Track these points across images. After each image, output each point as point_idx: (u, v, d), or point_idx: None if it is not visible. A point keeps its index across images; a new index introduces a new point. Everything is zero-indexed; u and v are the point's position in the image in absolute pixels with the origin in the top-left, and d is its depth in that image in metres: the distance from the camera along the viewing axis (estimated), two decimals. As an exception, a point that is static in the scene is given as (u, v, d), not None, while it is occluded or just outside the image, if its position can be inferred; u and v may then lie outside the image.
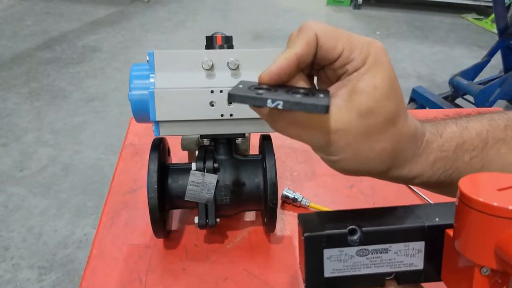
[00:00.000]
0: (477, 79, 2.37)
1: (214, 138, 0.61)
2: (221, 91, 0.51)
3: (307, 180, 0.78)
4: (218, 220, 0.60)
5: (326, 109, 0.28)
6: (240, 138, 0.61)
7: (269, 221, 0.61)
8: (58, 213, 1.70)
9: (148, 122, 0.54)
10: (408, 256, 0.32)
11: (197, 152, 0.63)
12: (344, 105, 0.31)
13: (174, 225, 0.68)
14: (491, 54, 2.35)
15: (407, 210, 0.34)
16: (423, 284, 0.33)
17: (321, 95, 0.30)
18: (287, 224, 0.69)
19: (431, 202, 0.72)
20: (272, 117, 0.33)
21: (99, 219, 0.68)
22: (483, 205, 0.25)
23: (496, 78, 2.26)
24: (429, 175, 0.35)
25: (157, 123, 0.53)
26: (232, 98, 0.29)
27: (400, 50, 3.29)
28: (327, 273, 0.32)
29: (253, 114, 0.35)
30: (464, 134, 0.36)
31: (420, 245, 0.32)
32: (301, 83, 0.33)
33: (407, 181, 0.36)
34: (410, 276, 0.32)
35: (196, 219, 0.60)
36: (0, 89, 2.48)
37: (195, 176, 0.58)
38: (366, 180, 0.76)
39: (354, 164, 0.33)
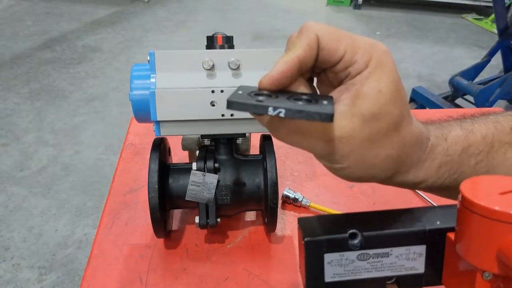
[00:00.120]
0: (477, 79, 2.37)
1: (214, 138, 0.61)
2: (222, 91, 0.51)
3: (308, 180, 0.78)
4: (218, 220, 0.60)
5: (331, 117, 0.27)
6: (240, 138, 0.61)
7: (269, 221, 0.61)
8: (58, 213, 1.70)
9: (149, 122, 0.54)
10: (409, 260, 0.31)
11: (197, 152, 0.63)
12: (347, 111, 0.30)
13: (175, 225, 0.68)
14: (491, 54, 2.35)
15: (408, 213, 0.33)
16: None
17: (325, 102, 0.29)
18: (288, 224, 0.69)
19: (431, 201, 0.72)
20: (273, 125, 0.32)
21: (100, 219, 0.68)
22: (484, 210, 0.24)
23: (496, 78, 2.26)
24: (434, 180, 0.35)
25: (157, 123, 0.53)
26: (231, 105, 0.28)
27: (400, 50, 3.29)
28: (328, 278, 0.31)
29: (253, 114, 0.35)
30: (470, 137, 0.35)
31: (421, 249, 0.31)
32: (302, 88, 0.32)
33: (412, 186, 0.35)
34: (411, 280, 0.32)
35: (196, 219, 0.60)
36: (0, 89, 2.48)
37: (195, 176, 0.58)
38: (367, 180, 0.76)
39: (359, 171, 0.32)
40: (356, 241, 0.31)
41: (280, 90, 0.31)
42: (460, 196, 0.26)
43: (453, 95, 2.35)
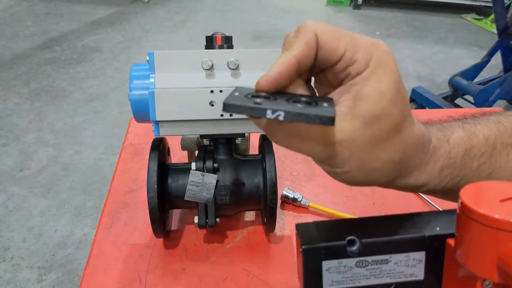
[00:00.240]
0: (476, 79, 2.37)
1: (214, 138, 0.61)
2: (221, 91, 0.51)
3: (307, 180, 0.78)
4: (217, 220, 0.60)
5: (332, 120, 0.26)
6: (240, 138, 0.61)
7: (268, 221, 0.61)
8: (58, 213, 1.70)
9: (148, 122, 0.54)
10: (409, 266, 0.31)
11: (196, 152, 0.63)
12: (348, 113, 0.29)
13: (174, 225, 0.68)
14: (490, 54, 2.35)
15: (407, 219, 0.33)
16: None
17: (325, 104, 0.28)
18: (287, 224, 0.69)
19: (431, 202, 0.72)
20: (271, 128, 0.31)
21: (99, 219, 0.68)
22: (484, 217, 0.24)
23: (496, 78, 2.26)
24: (436, 183, 0.34)
25: (157, 123, 0.53)
26: (227, 108, 0.27)
27: (400, 50, 3.29)
28: (326, 285, 0.31)
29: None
30: (472, 139, 0.34)
31: (421, 255, 0.31)
32: (300, 90, 0.31)
33: (414, 189, 0.34)
34: (411, 287, 0.32)
35: (196, 219, 0.60)
36: (0, 89, 2.48)
37: (195, 176, 0.58)
38: (366, 180, 0.76)
39: (360, 175, 0.31)
40: (354, 248, 0.30)
41: (278, 92, 0.30)
42: (459, 203, 0.26)
43: (453, 95, 2.35)
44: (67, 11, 3.65)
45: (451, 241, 0.29)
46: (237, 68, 0.51)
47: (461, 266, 0.27)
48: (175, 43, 3.22)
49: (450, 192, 0.35)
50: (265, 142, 0.61)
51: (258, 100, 0.28)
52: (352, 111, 0.29)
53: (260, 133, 0.65)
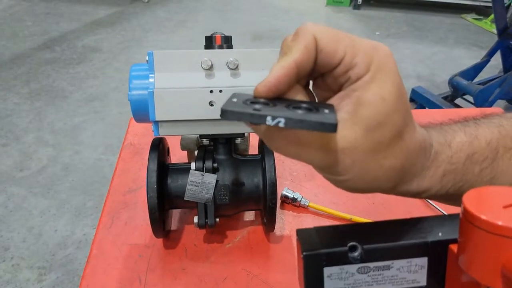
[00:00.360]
0: (476, 79, 2.37)
1: (213, 138, 0.61)
2: (220, 91, 0.51)
3: (307, 180, 0.78)
4: (217, 220, 0.60)
5: (334, 127, 0.25)
6: (239, 138, 0.61)
7: (268, 221, 0.61)
8: (58, 213, 1.70)
9: (148, 122, 0.54)
10: (411, 272, 0.31)
11: (196, 152, 0.63)
12: (349, 119, 0.28)
13: (174, 225, 0.68)
14: (490, 54, 2.35)
15: (409, 224, 0.32)
16: None
17: (326, 111, 0.27)
18: (287, 223, 0.69)
19: (431, 202, 0.72)
20: (270, 135, 0.30)
21: (99, 219, 0.68)
22: (487, 224, 0.23)
23: (496, 78, 2.26)
24: (437, 188, 0.33)
25: (156, 123, 0.53)
26: (225, 114, 0.26)
27: (400, 50, 3.29)
28: None
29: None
30: (474, 143, 0.34)
31: (423, 261, 0.30)
32: (299, 95, 0.30)
33: (415, 195, 0.34)
34: None
35: (195, 219, 0.60)
36: (0, 89, 2.48)
37: (194, 176, 0.58)
38: (366, 180, 0.76)
39: (362, 183, 0.30)
40: (356, 254, 0.30)
41: (277, 98, 0.29)
42: (462, 208, 0.25)
43: (453, 95, 2.35)
44: (67, 11, 3.65)
45: (453, 247, 0.28)
46: (236, 68, 0.51)
47: (464, 273, 0.27)
48: (175, 43, 3.22)
49: (452, 197, 0.35)
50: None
51: (257, 106, 0.27)
52: (353, 118, 0.28)
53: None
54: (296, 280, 0.32)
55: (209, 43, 0.56)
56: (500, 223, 0.23)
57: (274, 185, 0.58)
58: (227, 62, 0.51)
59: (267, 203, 0.59)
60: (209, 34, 0.56)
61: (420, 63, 3.13)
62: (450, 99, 2.35)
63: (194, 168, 0.58)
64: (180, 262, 0.62)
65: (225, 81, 0.52)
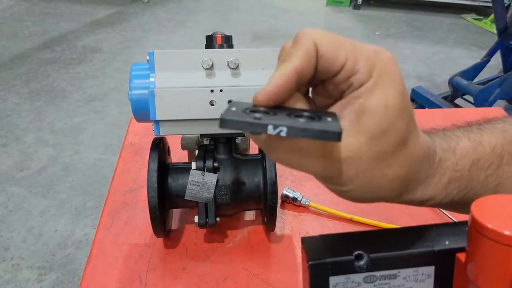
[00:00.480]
0: (476, 79, 2.37)
1: (214, 138, 0.61)
2: (221, 91, 0.51)
3: (307, 179, 0.78)
4: (218, 219, 0.60)
5: (338, 136, 0.24)
6: (240, 138, 0.61)
7: (269, 220, 0.61)
8: (58, 213, 1.70)
9: (148, 121, 0.54)
10: (418, 281, 0.30)
11: (197, 151, 0.63)
12: (352, 128, 0.27)
13: (174, 224, 0.68)
14: (490, 54, 2.35)
15: (415, 232, 0.32)
16: None
17: (329, 119, 0.27)
18: (287, 223, 0.69)
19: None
20: (270, 145, 0.29)
21: (99, 219, 0.68)
22: (496, 234, 0.23)
23: (496, 78, 2.26)
24: (442, 196, 0.32)
25: (157, 122, 0.53)
26: (225, 124, 0.25)
27: (400, 50, 3.29)
28: None
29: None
30: (479, 150, 0.33)
31: (430, 270, 0.30)
32: (300, 103, 0.29)
33: (419, 204, 0.33)
34: None
35: (196, 218, 0.60)
36: (0, 89, 2.48)
37: (195, 175, 0.58)
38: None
39: (365, 193, 0.30)
40: (362, 263, 0.29)
41: (278, 106, 0.28)
42: (470, 217, 0.25)
43: (453, 95, 2.35)
44: (67, 11, 3.64)
45: (461, 256, 0.28)
46: (237, 67, 0.51)
47: (471, 282, 0.26)
48: (175, 43, 3.22)
49: (456, 205, 0.34)
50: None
51: (257, 115, 0.26)
52: (356, 126, 0.27)
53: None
54: (296, 279, 0.33)
55: (210, 42, 0.56)
56: (508, 233, 0.22)
57: (274, 184, 0.58)
58: (228, 62, 0.51)
59: (267, 202, 0.59)
60: (209, 34, 0.56)
61: (420, 63, 3.13)
62: (450, 99, 2.35)
63: (194, 168, 0.58)
64: (180, 261, 0.62)
65: (226, 81, 0.52)
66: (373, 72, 0.27)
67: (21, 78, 2.61)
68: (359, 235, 0.32)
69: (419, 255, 0.30)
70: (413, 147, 0.29)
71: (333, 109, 0.30)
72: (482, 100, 2.14)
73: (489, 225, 0.23)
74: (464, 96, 2.35)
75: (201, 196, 0.58)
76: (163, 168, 0.60)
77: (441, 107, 2.15)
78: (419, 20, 4.04)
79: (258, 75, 0.51)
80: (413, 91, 2.32)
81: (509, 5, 3.48)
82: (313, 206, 0.71)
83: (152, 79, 0.51)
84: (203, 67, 0.51)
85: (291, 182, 0.77)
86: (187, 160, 0.72)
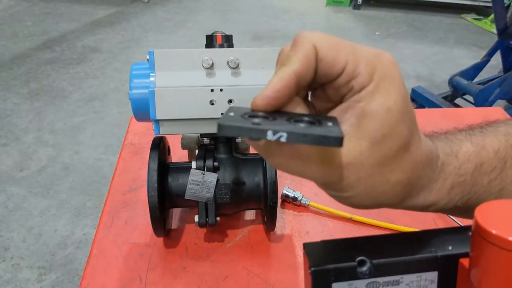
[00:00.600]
0: (476, 79, 2.38)
1: (214, 137, 0.61)
2: (221, 90, 0.51)
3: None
4: (218, 219, 0.60)
5: (340, 141, 0.24)
6: (240, 137, 0.61)
7: (269, 220, 0.61)
8: (58, 213, 1.70)
9: (148, 121, 0.54)
10: (421, 287, 0.30)
11: (197, 151, 0.63)
12: (353, 133, 0.27)
13: (174, 224, 0.68)
14: (490, 54, 2.35)
15: (418, 237, 0.31)
16: None
17: (330, 124, 0.26)
18: (287, 223, 0.69)
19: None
20: (269, 150, 0.28)
21: (99, 218, 0.68)
22: (500, 240, 0.23)
23: (496, 78, 2.26)
24: (445, 202, 0.32)
25: (157, 121, 0.53)
26: (223, 130, 0.24)
27: (400, 50, 3.29)
28: None
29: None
30: (482, 153, 0.32)
31: (433, 275, 0.30)
32: (299, 108, 0.28)
33: (422, 209, 0.33)
34: None
35: (196, 218, 0.60)
36: (0, 89, 2.48)
37: (195, 175, 0.58)
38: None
39: (367, 199, 0.29)
40: (365, 269, 0.29)
41: (277, 111, 0.27)
42: (474, 223, 0.24)
43: (453, 95, 2.35)
44: (66, 11, 3.64)
45: (464, 261, 0.28)
46: (237, 67, 0.51)
47: None
48: (175, 43, 3.22)
49: (459, 210, 0.33)
50: (265, 141, 0.61)
51: (256, 120, 0.25)
52: (357, 131, 0.27)
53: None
54: (296, 279, 0.32)
55: (210, 42, 0.56)
56: None
57: (274, 184, 0.58)
58: (228, 61, 0.51)
59: (267, 202, 0.59)
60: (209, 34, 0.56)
61: (420, 63, 3.13)
62: (450, 99, 2.35)
63: (194, 167, 0.58)
64: (180, 261, 0.62)
65: (226, 80, 0.52)
66: (374, 75, 0.27)
67: (21, 78, 2.61)
68: (362, 241, 0.32)
69: (422, 261, 0.29)
70: (415, 151, 0.29)
71: (334, 113, 0.29)
72: (482, 100, 2.14)
73: (494, 231, 0.23)
74: (464, 96, 2.36)
75: (201, 196, 0.58)
76: (163, 168, 0.60)
77: (441, 107, 2.15)
78: (419, 20, 4.04)
79: (258, 74, 0.51)
80: (413, 91, 2.32)
81: (509, 5, 3.48)
82: (313, 206, 0.71)
83: (152, 79, 0.51)
84: (203, 66, 0.51)
85: (291, 181, 0.77)
86: (187, 160, 0.72)
